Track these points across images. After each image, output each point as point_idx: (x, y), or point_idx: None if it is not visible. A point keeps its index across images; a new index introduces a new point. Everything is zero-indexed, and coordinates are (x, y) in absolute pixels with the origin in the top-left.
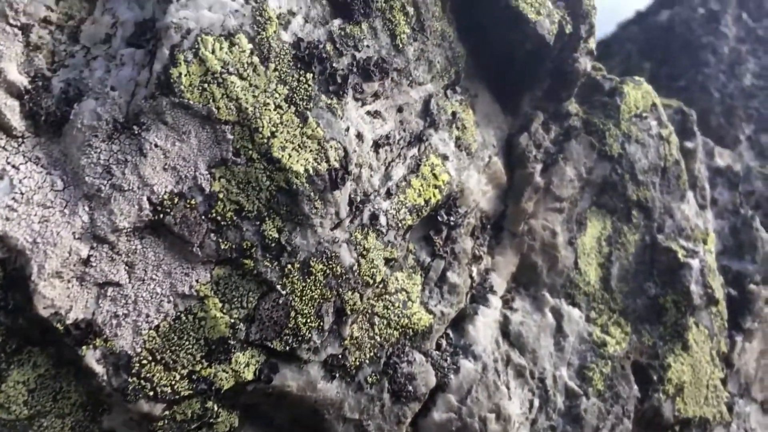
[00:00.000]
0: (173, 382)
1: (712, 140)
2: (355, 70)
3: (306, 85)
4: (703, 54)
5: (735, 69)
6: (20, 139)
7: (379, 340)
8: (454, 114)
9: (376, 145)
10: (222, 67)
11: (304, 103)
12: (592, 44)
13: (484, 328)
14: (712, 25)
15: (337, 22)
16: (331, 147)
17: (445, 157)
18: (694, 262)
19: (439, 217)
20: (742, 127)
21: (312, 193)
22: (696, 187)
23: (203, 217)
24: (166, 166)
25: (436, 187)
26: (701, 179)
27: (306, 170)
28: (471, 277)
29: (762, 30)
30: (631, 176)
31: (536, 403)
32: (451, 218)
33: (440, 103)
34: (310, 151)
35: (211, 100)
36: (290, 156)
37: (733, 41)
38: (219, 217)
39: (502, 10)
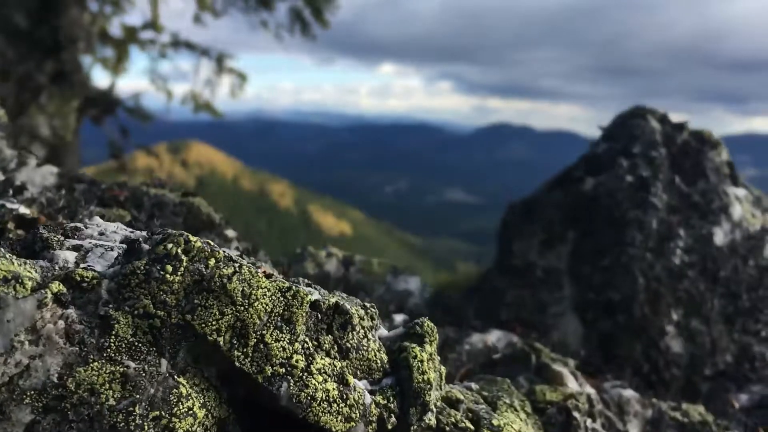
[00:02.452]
0: None
1: (635, 330)
2: None
3: None
4: (629, 231)
5: (664, 246)
6: None
7: None
8: None
9: None
10: None
11: None
12: (430, 418)
13: None
14: (641, 194)
15: None
16: None
17: None
18: None
19: None
20: (669, 314)
21: None
22: None
23: None
24: None
25: None
26: None
27: None
28: None
29: (697, 195)
30: None
31: None
32: None
33: None
34: None
35: None
36: None
37: (663, 211)
38: None
39: (304, 422)
